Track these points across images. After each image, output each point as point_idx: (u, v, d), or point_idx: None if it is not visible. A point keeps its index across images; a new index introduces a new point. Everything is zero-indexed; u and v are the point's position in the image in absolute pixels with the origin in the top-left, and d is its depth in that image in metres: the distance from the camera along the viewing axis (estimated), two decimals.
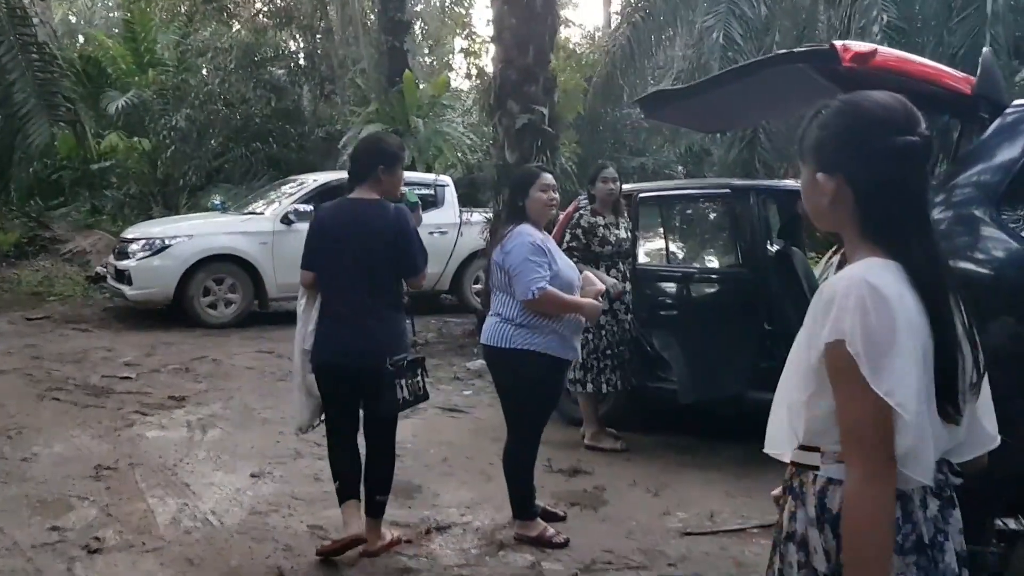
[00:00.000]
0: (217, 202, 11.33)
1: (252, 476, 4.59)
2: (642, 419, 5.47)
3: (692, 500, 4.35)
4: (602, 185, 5.12)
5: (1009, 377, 1.98)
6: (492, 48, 8.54)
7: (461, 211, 9.98)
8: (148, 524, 3.91)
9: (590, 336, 4.88)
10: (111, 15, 21.68)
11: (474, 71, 17.76)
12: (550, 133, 7.85)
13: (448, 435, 5.51)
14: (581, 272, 3.95)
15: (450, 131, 13.59)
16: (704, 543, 3.85)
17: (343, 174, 3.71)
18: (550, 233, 4.10)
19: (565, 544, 3.75)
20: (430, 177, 10.64)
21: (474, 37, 18.88)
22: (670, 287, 5.65)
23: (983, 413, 1.53)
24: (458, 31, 20.45)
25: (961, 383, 1.45)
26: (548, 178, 3.78)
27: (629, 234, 5.20)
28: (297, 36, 18.27)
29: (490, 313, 3.80)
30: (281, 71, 16.65)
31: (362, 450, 3.71)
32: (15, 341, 7.98)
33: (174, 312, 8.97)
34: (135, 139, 13.96)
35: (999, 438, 1.55)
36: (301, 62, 17.86)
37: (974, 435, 1.53)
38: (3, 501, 4.15)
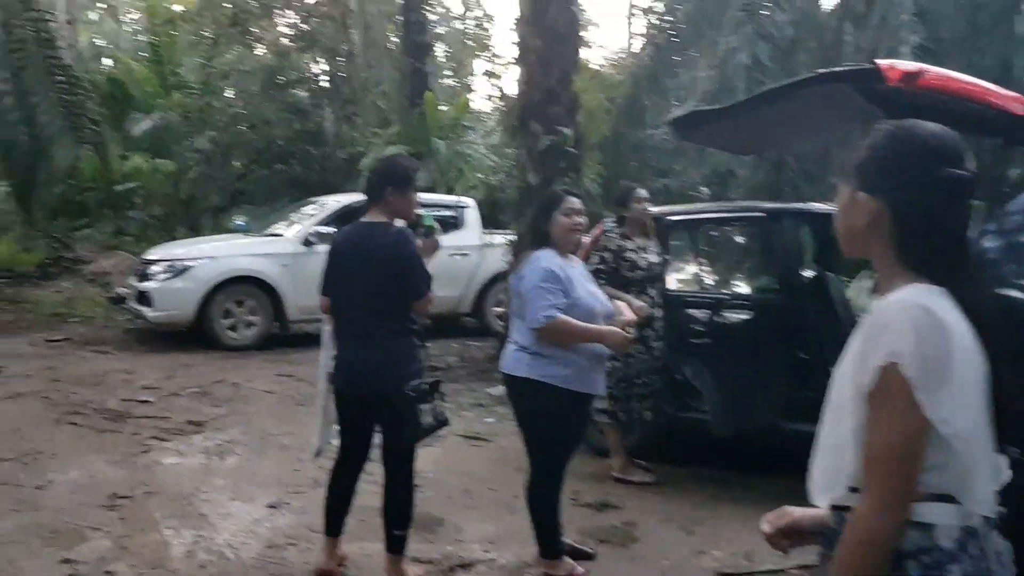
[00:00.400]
0: (240, 223, 11.30)
1: (269, 507, 4.46)
2: (673, 451, 5.30)
3: (727, 538, 4.17)
4: (636, 206, 4.97)
5: None
6: (515, 69, 8.46)
7: (483, 233, 9.87)
8: (162, 557, 3.79)
9: (619, 365, 4.73)
10: (137, 38, 21.90)
11: (495, 92, 17.76)
12: (574, 154, 7.73)
13: (470, 465, 5.36)
14: (610, 298, 3.81)
15: (471, 153, 13.51)
16: None
17: (363, 196, 3.63)
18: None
19: None
20: (452, 199, 10.55)
21: (495, 59, 18.90)
22: (702, 314, 5.48)
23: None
24: (479, 53, 20.50)
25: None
26: (574, 202, 3.64)
27: (659, 258, 5.05)
28: (320, 59, 18.34)
29: (509, 340, 3.66)
30: (304, 94, 16.70)
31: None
32: (35, 363, 7.92)
33: (195, 334, 8.90)
34: (159, 161, 14.03)
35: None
36: (323, 84, 17.91)
37: None
38: (15, 530, 4.04)
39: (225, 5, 17.29)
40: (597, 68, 14.97)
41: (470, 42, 20.65)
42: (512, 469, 4.87)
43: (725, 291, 6.94)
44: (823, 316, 5.13)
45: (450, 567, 3.79)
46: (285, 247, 9.21)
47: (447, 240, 9.56)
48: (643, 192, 5.07)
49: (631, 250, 4.94)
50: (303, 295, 8.52)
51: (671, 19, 12.73)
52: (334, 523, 3.68)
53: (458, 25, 21.41)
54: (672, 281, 5.60)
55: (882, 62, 3.00)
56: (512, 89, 9.78)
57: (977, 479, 1.37)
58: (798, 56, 10.96)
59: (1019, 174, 8.64)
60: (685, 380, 5.02)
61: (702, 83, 12.17)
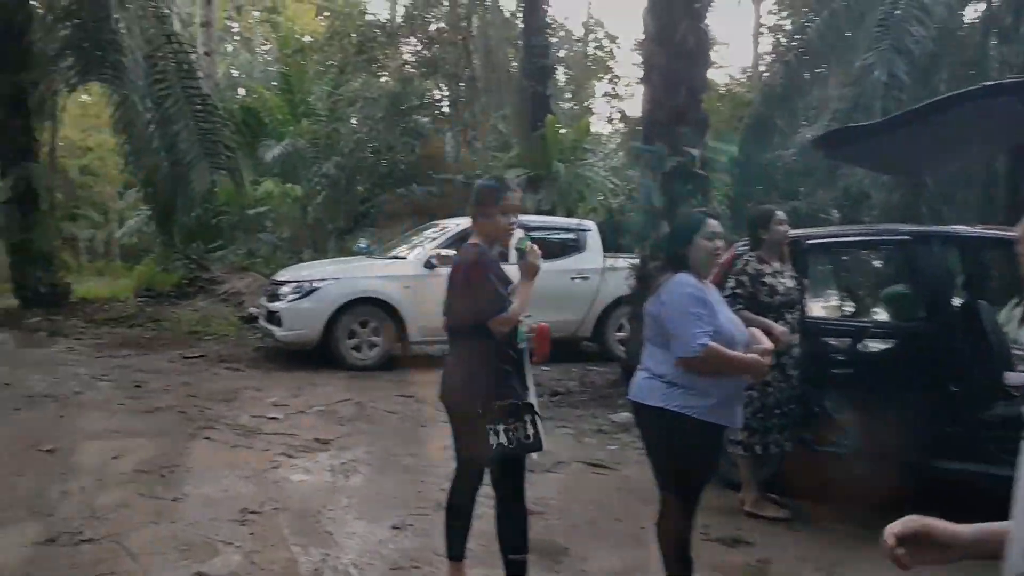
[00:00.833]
0: (363, 246, 11.56)
1: (394, 528, 4.45)
2: (809, 486, 5.02)
3: None
4: (778, 228, 4.76)
5: None
6: (638, 90, 8.32)
7: (604, 256, 9.74)
8: (290, 574, 3.82)
9: (755, 394, 4.51)
10: (269, 69, 22.92)
11: (616, 114, 17.65)
12: (701, 176, 7.52)
13: (594, 493, 5.22)
14: (745, 324, 3.62)
15: (592, 175, 13.44)
16: None
17: None
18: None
19: None
20: (573, 222, 10.48)
21: (616, 80, 18.82)
22: (842, 342, 5.19)
23: None
24: (601, 75, 20.46)
25: None
26: (715, 224, 3.47)
27: (796, 283, 4.82)
28: (442, 84, 18.70)
29: (640, 367, 3.50)
30: (426, 119, 17.05)
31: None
32: (173, 379, 8.27)
33: (321, 353, 9.11)
34: (288, 185, 14.58)
35: None
36: (445, 109, 18.25)
37: None
38: (153, 541, 4.16)
39: (352, 35, 17.89)
40: (724, 88, 14.67)
41: (591, 64, 20.64)
42: (638, 500, 4.71)
43: (869, 318, 6.56)
44: (976, 347, 4.76)
45: None
46: (407, 269, 9.33)
47: (568, 264, 9.65)
48: (782, 214, 4.86)
49: (769, 275, 4.72)
50: (424, 316, 8.61)
51: (801, 36, 12.36)
52: (455, 546, 3.62)
53: (579, 48, 21.46)
54: (810, 307, 5.32)
55: None
56: (634, 111, 9.63)
57: None
58: (939, 72, 10.44)
59: None
60: (824, 412, 4.74)
61: (834, 102, 11.74)
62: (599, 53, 20.74)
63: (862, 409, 4.61)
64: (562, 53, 19.61)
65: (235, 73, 25.45)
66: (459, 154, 17.27)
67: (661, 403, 3.29)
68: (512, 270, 3.53)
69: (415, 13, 19.33)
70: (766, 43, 21.73)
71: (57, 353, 9.63)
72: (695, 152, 7.43)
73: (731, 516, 4.69)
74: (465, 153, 17.05)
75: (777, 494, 4.84)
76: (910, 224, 7.68)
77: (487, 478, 3.56)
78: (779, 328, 4.39)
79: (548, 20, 15.67)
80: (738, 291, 4.65)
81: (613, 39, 20.73)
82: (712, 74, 14.69)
